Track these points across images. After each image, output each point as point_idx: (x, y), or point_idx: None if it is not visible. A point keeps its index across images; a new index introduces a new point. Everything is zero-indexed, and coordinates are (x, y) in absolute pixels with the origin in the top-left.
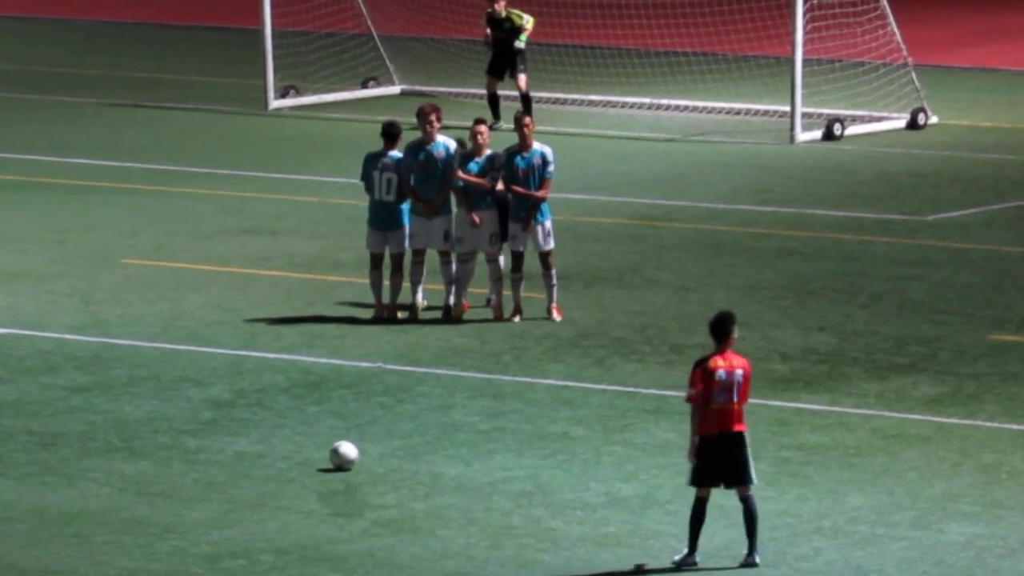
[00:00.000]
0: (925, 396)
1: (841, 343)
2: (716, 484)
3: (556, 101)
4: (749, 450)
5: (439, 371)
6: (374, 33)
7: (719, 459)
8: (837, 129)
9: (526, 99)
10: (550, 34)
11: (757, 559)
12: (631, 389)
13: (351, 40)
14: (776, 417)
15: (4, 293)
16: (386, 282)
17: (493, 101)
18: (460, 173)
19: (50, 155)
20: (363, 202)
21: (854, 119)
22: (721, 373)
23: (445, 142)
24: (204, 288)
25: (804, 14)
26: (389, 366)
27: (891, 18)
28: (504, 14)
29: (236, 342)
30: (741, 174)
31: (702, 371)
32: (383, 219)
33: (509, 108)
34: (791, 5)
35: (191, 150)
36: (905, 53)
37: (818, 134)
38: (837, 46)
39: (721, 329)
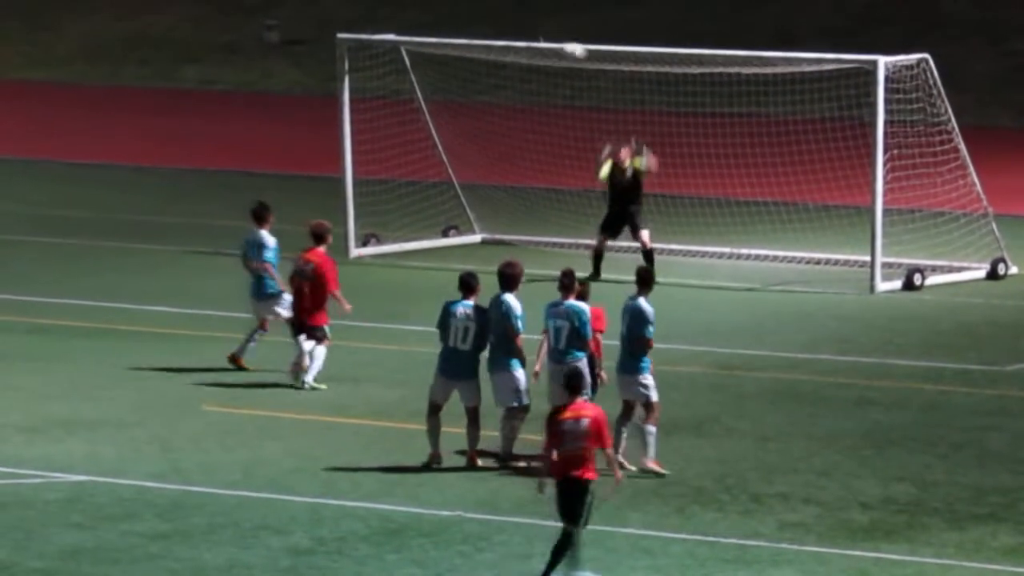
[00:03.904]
0: (1004, 546)
1: (921, 493)
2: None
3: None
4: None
5: (519, 519)
6: (454, 181)
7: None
8: (917, 279)
9: (649, 254)
10: None
11: None
12: (711, 539)
13: (431, 188)
14: (856, 567)
15: (84, 440)
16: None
17: (597, 258)
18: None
19: (130, 303)
20: None
21: (934, 269)
22: (569, 423)
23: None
24: (284, 436)
25: (884, 164)
26: (469, 514)
27: (971, 168)
28: (629, 163)
29: (315, 490)
30: (821, 324)
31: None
32: (453, 367)
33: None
34: (871, 155)
35: None
36: (985, 203)
37: (898, 284)
38: (917, 196)
39: (576, 383)
